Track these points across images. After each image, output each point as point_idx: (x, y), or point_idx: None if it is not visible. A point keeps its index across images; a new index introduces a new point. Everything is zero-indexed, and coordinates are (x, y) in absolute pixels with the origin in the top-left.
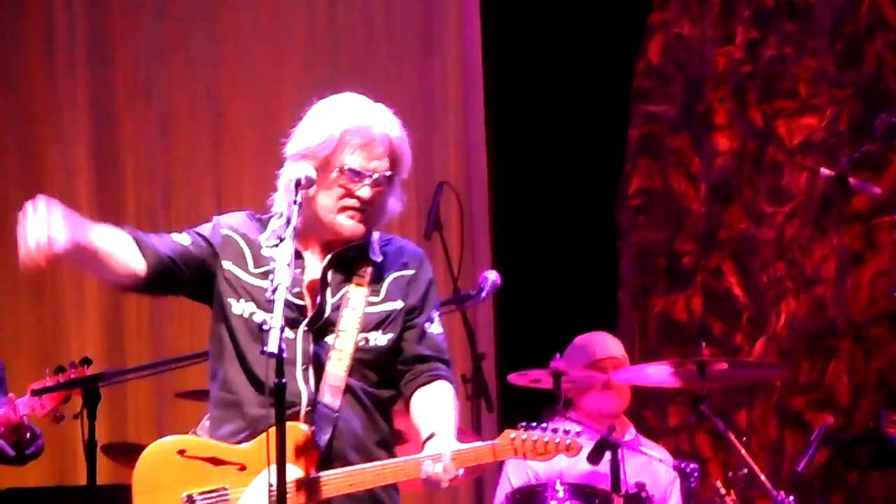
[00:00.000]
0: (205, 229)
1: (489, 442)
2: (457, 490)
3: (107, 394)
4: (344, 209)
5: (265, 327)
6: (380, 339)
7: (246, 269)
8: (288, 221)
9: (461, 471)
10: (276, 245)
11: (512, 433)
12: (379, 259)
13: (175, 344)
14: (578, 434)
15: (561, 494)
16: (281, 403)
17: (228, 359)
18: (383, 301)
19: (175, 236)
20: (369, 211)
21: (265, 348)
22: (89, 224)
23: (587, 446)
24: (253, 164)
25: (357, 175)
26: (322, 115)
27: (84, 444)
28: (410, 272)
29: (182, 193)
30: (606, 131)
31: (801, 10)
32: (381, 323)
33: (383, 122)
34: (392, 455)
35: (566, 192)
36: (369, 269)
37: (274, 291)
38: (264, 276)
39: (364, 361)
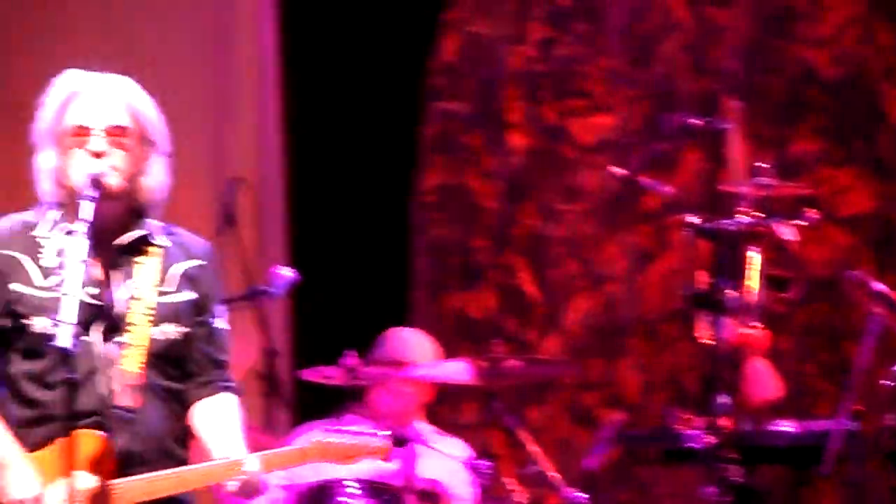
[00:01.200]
0: None
1: (296, 447)
2: None
3: None
4: (84, 168)
5: (55, 321)
6: (176, 332)
7: (33, 286)
8: (85, 221)
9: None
10: (49, 237)
11: (319, 436)
12: (167, 244)
13: None
14: (374, 434)
15: (353, 491)
16: (73, 400)
17: (19, 388)
18: (175, 292)
19: None
20: (114, 166)
21: (55, 342)
22: None
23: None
24: None
25: (83, 129)
26: (51, 89)
27: None
28: (199, 262)
29: None
30: (402, 128)
31: (595, 10)
32: (175, 315)
33: (112, 81)
34: (187, 451)
35: (362, 188)
36: (157, 259)
37: (66, 285)
38: (51, 289)
39: (160, 356)
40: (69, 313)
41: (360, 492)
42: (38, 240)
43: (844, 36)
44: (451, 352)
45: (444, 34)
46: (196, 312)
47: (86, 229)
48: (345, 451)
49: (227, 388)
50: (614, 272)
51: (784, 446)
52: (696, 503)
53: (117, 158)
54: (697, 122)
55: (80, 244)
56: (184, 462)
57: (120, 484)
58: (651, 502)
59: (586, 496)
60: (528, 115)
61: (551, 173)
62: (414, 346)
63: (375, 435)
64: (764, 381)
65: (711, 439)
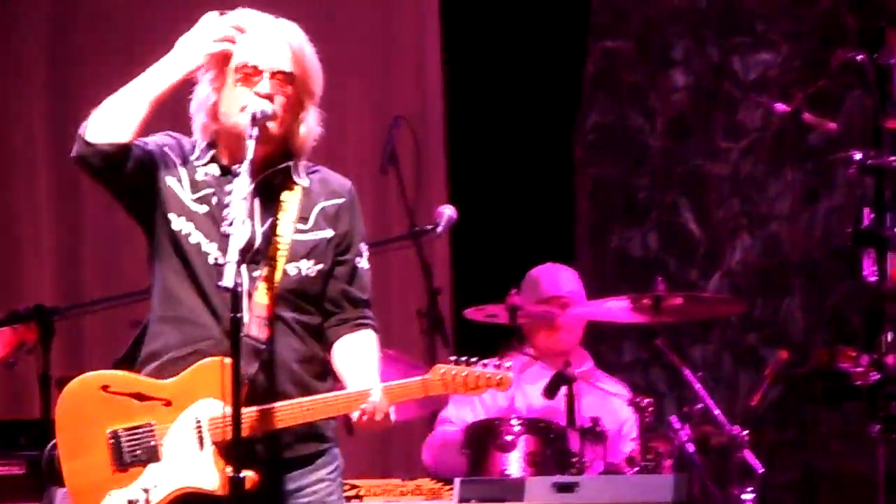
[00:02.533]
0: (146, 140)
1: (418, 377)
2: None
3: (63, 329)
4: (246, 107)
5: (220, 261)
6: (310, 268)
7: (183, 189)
8: (244, 158)
9: (392, 409)
10: (206, 165)
11: (442, 368)
12: (307, 184)
13: (131, 279)
14: (510, 369)
15: (517, 429)
16: (237, 338)
17: (170, 271)
18: (312, 230)
19: None
20: (276, 112)
21: (220, 283)
22: None
23: (543, 380)
24: None
25: (254, 70)
26: (222, 18)
27: (38, 377)
28: (340, 200)
29: None
30: (564, 66)
31: None
32: (310, 252)
33: (282, 26)
34: (329, 384)
35: (522, 127)
36: (297, 196)
37: (230, 225)
38: (200, 201)
39: (295, 291)
40: (233, 252)
41: (523, 429)
42: (192, 160)
43: None
44: (612, 290)
45: None
46: (334, 250)
47: (248, 167)
48: (466, 383)
49: (366, 325)
50: (778, 210)
51: None
52: (860, 441)
53: (278, 104)
54: (862, 57)
55: (242, 182)
56: (316, 391)
57: (247, 412)
58: (815, 440)
59: (749, 434)
60: (691, 53)
61: (714, 111)
62: (567, 281)
63: (501, 366)
64: None
65: (876, 377)
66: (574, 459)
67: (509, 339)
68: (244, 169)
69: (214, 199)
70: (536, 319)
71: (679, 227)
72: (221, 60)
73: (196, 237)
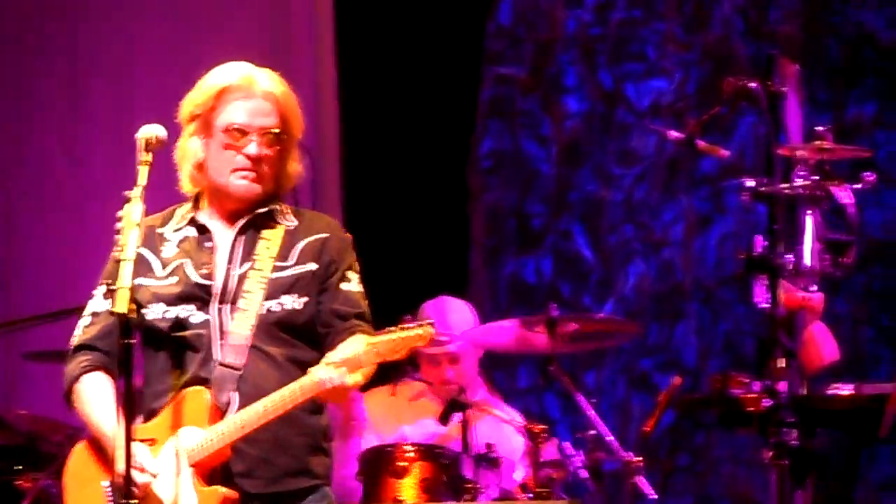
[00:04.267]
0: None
1: (353, 353)
2: None
3: None
4: (235, 170)
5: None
6: (295, 301)
7: (154, 276)
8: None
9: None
10: (182, 230)
11: (371, 339)
12: (292, 224)
13: (21, 306)
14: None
15: (411, 455)
16: (128, 364)
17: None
18: (294, 265)
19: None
20: (262, 170)
21: (112, 308)
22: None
23: (437, 407)
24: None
25: (241, 132)
26: (206, 78)
27: None
28: (324, 236)
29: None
30: (458, 93)
31: None
32: (292, 286)
33: (267, 79)
34: (322, 417)
35: (417, 153)
36: (280, 235)
37: (121, 251)
38: (173, 272)
39: (281, 325)
40: (126, 277)
41: (417, 455)
42: (165, 234)
43: None
44: (506, 316)
45: None
46: (319, 282)
47: (140, 193)
48: (393, 347)
49: (357, 331)
50: (671, 236)
51: (841, 410)
52: (752, 467)
53: (267, 163)
54: (754, 85)
55: (135, 209)
56: (306, 425)
57: (218, 427)
58: (707, 466)
59: (642, 460)
60: (584, 80)
61: (608, 137)
62: (456, 316)
63: (414, 324)
64: (821, 345)
65: (768, 403)
66: (468, 486)
67: (404, 365)
68: (136, 195)
69: (188, 267)
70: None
71: (573, 254)
72: (208, 118)
73: (173, 311)
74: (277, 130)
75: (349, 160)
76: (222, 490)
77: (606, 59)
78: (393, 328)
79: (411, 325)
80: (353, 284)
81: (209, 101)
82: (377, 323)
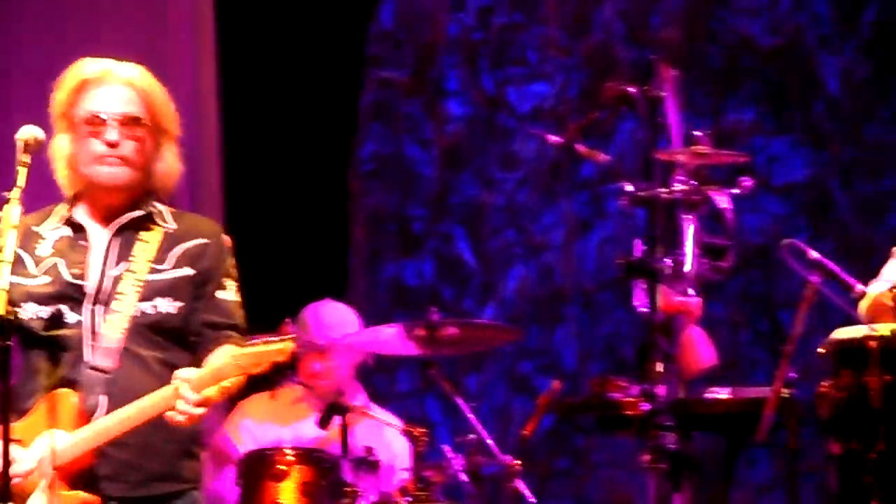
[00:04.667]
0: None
1: (213, 366)
2: None
3: None
4: (97, 157)
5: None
6: (169, 305)
7: (28, 275)
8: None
9: (197, 395)
10: (57, 229)
11: (233, 352)
12: (171, 227)
13: None
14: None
15: (290, 458)
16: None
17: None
18: (172, 269)
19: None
20: (126, 157)
21: None
22: None
23: (316, 412)
24: None
25: (99, 119)
26: (65, 74)
27: None
28: (204, 241)
29: None
30: (339, 96)
31: None
32: (167, 290)
33: (128, 69)
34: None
35: (298, 156)
36: (157, 238)
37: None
38: (47, 272)
39: (153, 328)
40: (4, 279)
41: (296, 459)
42: (40, 233)
43: (780, 4)
44: (387, 319)
45: (382, 1)
46: (194, 287)
47: (18, 195)
48: (255, 360)
49: (228, 342)
50: (552, 240)
51: (719, 414)
52: (631, 471)
53: (129, 148)
54: (634, 89)
55: (13, 212)
56: (176, 430)
57: (76, 435)
58: (586, 470)
59: (522, 463)
60: (466, 83)
61: (489, 141)
62: (336, 320)
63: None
64: (699, 349)
65: (646, 407)
66: (347, 490)
67: (284, 369)
68: (14, 196)
69: (61, 266)
70: (303, 355)
71: (454, 257)
72: (69, 113)
73: (46, 310)
74: (138, 116)
75: (230, 163)
76: (83, 495)
77: (488, 64)
78: (257, 340)
79: (274, 338)
80: (228, 293)
81: (70, 97)
82: (257, 326)
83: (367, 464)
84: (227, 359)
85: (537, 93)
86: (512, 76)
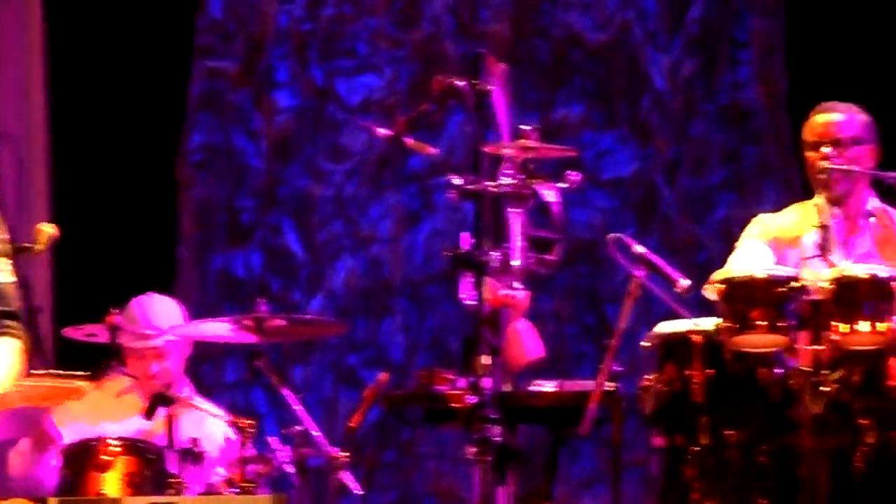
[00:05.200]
0: None
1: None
2: None
3: None
4: None
5: None
6: None
7: None
8: None
9: None
10: None
11: (22, 382)
12: None
13: None
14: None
15: (115, 449)
16: None
17: None
18: None
19: None
20: None
21: None
22: None
23: (143, 403)
24: None
25: None
26: None
27: None
28: None
29: None
30: (168, 86)
31: None
32: None
33: None
34: None
35: (127, 146)
36: None
37: None
38: None
39: None
40: None
41: (121, 450)
42: None
43: (608, 0)
44: (214, 311)
45: None
46: None
47: None
48: (44, 394)
49: (8, 334)
50: (380, 233)
51: (544, 407)
52: (457, 463)
53: None
54: (463, 83)
55: None
56: None
57: None
58: (413, 462)
59: (348, 455)
60: (295, 75)
61: (318, 133)
62: (162, 312)
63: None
64: (525, 342)
65: (472, 400)
66: (172, 480)
67: (110, 358)
68: None
69: None
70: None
71: (282, 249)
72: None
73: None
74: None
75: (58, 153)
76: None
77: (318, 55)
78: (51, 371)
79: (67, 375)
80: (4, 275)
81: None
82: (84, 316)
83: (193, 455)
84: (15, 389)
85: (366, 85)
86: (341, 68)
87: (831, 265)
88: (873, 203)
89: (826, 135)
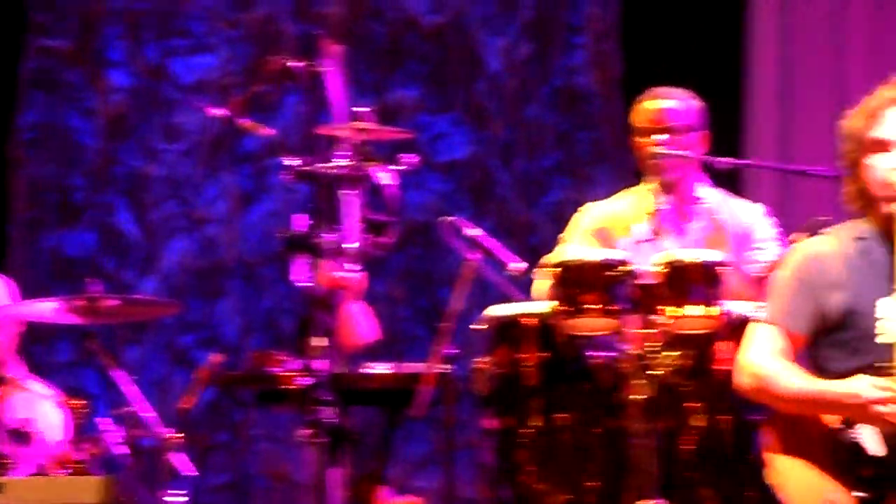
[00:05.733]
0: None
1: None
2: None
3: None
4: None
5: None
6: None
7: None
8: None
9: None
10: None
11: None
12: None
13: None
14: None
15: None
16: None
17: None
18: None
19: None
20: None
21: None
22: None
23: None
24: None
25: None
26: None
27: None
28: None
29: None
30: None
31: None
32: None
33: None
34: None
35: None
36: None
37: None
38: None
39: None
40: None
41: None
42: None
43: None
44: (46, 290)
45: None
46: None
47: None
48: None
49: None
50: (214, 213)
51: (378, 388)
52: (289, 444)
53: None
54: (298, 64)
55: None
56: None
57: None
58: (246, 443)
59: (181, 436)
60: (130, 54)
61: (152, 112)
62: None
63: None
64: (359, 324)
65: (306, 381)
66: (2, 461)
67: None
68: None
69: None
70: None
71: (115, 228)
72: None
73: None
74: None
75: None
76: None
77: (153, 34)
78: None
79: None
80: None
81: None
82: None
83: (22, 435)
84: None
85: (201, 65)
86: (176, 47)
87: (662, 250)
88: (704, 189)
89: (659, 122)
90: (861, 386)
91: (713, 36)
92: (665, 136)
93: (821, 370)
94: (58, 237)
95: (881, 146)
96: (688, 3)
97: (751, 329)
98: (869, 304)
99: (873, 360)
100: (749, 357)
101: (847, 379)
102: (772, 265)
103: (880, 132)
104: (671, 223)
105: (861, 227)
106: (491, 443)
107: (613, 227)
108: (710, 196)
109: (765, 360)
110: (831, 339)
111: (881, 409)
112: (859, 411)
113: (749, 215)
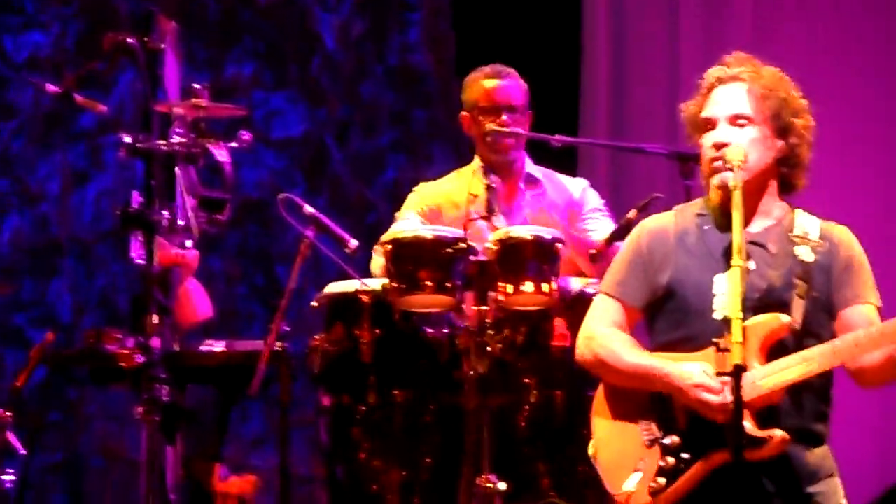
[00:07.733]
0: None
1: None
2: None
3: None
4: None
5: None
6: None
7: None
8: None
9: None
10: None
11: None
12: None
13: None
14: None
15: None
16: None
17: None
18: None
19: None
20: None
21: None
22: None
23: None
24: None
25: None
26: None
27: None
28: None
29: None
30: None
31: None
32: None
33: None
34: None
35: None
36: None
37: None
38: None
39: None
40: None
41: None
42: None
43: None
44: None
45: None
46: None
47: None
48: None
49: None
50: (48, 191)
51: (213, 367)
52: (125, 423)
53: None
54: (133, 41)
55: None
56: None
57: None
58: (80, 422)
59: (13, 415)
60: None
61: None
62: None
63: None
64: (195, 301)
65: (141, 359)
66: None
67: None
68: None
69: None
70: None
71: None
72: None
73: None
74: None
75: None
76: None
77: None
78: None
79: None
80: None
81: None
82: None
83: None
84: None
85: (34, 41)
86: (8, 24)
87: (494, 228)
88: (531, 167)
89: (505, 100)
90: (695, 370)
91: (548, 15)
92: (507, 116)
93: (652, 342)
94: None
95: (711, 124)
96: None
97: (594, 301)
98: (701, 279)
99: (697, 333)
100: (590, 328)
101: (684, 361)
102: (607, 239)
103: (707, 111)
104: (502, 201)
105: (703, 203)
106: (326, 420)
107: (444, 206)
108: (537, 173)
109: (604, 333)
110: (662, 311)
111: (706, 396)
112: (685, 393)
113: (575, 188)
